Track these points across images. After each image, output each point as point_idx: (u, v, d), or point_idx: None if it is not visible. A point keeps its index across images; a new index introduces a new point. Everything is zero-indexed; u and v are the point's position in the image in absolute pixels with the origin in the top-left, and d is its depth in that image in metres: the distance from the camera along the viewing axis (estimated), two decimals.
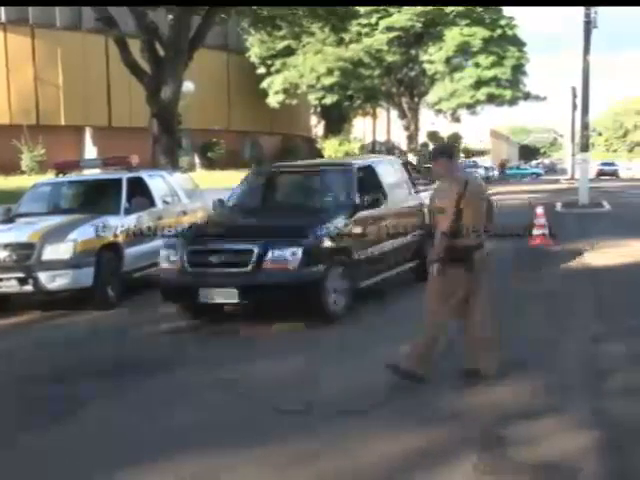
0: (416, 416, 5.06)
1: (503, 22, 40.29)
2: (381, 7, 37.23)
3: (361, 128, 57.11)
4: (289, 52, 39.98)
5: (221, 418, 5.19)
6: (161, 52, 16.68)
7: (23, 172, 26.60)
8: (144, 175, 11.33)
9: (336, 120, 49.12)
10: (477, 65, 40.61)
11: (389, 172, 10.02)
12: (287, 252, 7.64)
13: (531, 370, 5.99)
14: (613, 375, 5.81)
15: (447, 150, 6.02)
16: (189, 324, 8.26)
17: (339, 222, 8.29)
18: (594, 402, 5.19)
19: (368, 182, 9.27)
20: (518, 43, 42.07)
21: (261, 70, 41.12)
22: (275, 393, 5.64)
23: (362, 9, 33.98)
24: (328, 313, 7.88)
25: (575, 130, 48.25)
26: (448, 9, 37.78)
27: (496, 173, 60.91)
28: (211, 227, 9.01)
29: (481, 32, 39.15)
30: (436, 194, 5.91)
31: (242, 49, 40.14)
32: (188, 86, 21.61)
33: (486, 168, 56.51)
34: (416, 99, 44.11)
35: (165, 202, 11.34)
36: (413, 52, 41.12)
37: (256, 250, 7.64)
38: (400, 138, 52.51)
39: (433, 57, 40.32)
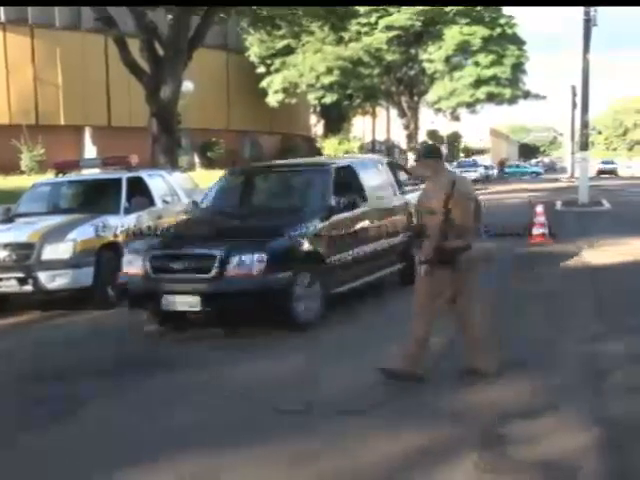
0: (416, 415, 5.06)
1: (503, 21, 40.29)
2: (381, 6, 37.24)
3: (361, 127, 57.11)
4: (288, 51, 39.97)
5: (221, 418, 5.19)
6: (160, 52, 16.67)
7: (23, 172, 26.61)
8: (144, 175, 11.33)
9: (336, 119, 49.13)
10: (477, 64, 40.60)
11: (371, 172, 9.67)
12: (251, 257, 7.29)
13: (531, 369, 5.99)
14: (612, 374, 5.81)
15: (434, 151, 5.98)
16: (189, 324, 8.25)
17: (311, 225, 7.97)
18: (594, 401, 5.19)
19: (347, 183, 8.99)
20: (518, 42, 42.08)
21: (260, 69, 41.13)
22: (275, 393, 5.63)
23: (362, 8, 33.97)
24: (297, 321, 7.55)
25: (575, 129, 48.26)
26: (448, 8, 37.77)
27: (495, 172, 60.97)
28: (178, 230, 8.63)
29: (481, 31, 39.14)
30: (424, 195, 5.89)
31: (241, 48, 40.14)
32: (187, 86, 21.60)
33: (486, 167, 56.57)
34: (416, 98, 44.12)
35: (165, 202, 11.33)
36: (413, 51, 41.12)
37: (219, 255, 7.32)
38: (400, 137, 52.54)
39: (433, 56, 40.31)
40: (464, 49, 40.32)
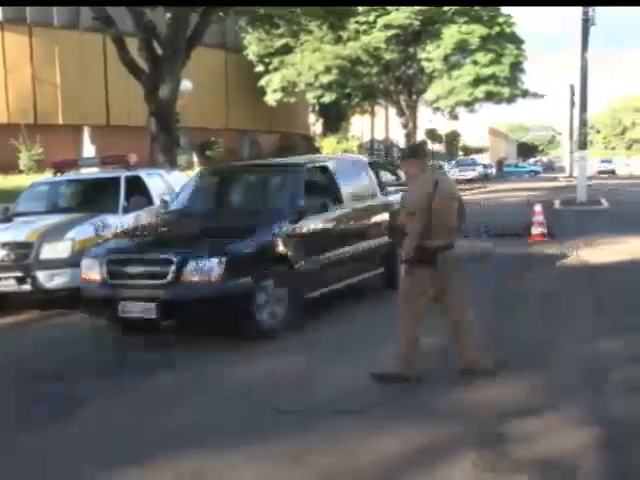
0: (415, 415, 5.06)
1: (501, 20, 40.28)
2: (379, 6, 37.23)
3: (359, 126, 57.11)
4: (287, 50, 39.95)
5: (221, 418, 5.19)
6: (159, 51, 16.67)
7: (21, 171, 26.59)
8: (142, 174, 11.33)
9: (334, 118, 49.12)
10: (475, 63, 40.59)
11: (349, 173, 9.32)
12: (208, 262, 6.91)
13: (529, 368, 6.00)
14: (611, 373, 5.82)
15: (418, 150, 6.02)
16: None
17: (278, 228, 7.62)
18: (593, 400, 5.20)
19: (321, 184, 8.75)
20: (516, 41, 42.07)
21: (259, 68, 41.11)
22: (274, 393, 5.64)
23: (360, 7, 33.96)
24: (260, 329, 7.21)
25: (573, 128, 48.26)
26: (446, 7, 37.78)
27: (494, 171, 61.03)
28: (139, 233, 8.19)
29: (479, 30, 39.13)
30: (407, 194, 5.89)
31: (240, 47, 40.10)
32: (186, 85, 21.60)
33: (484, 166, 56.62)
34: (414, 97, 44.11)
35: (163, 201, 11.32)
36: (411, 50, 41.11)
37: (175, 260, 6.95)
38: (398, 136, 52.53)
39: (431, 55, 40.31)
40: (462, 48, 40.31)
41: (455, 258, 5.85)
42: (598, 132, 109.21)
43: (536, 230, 14.51)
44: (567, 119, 57.11)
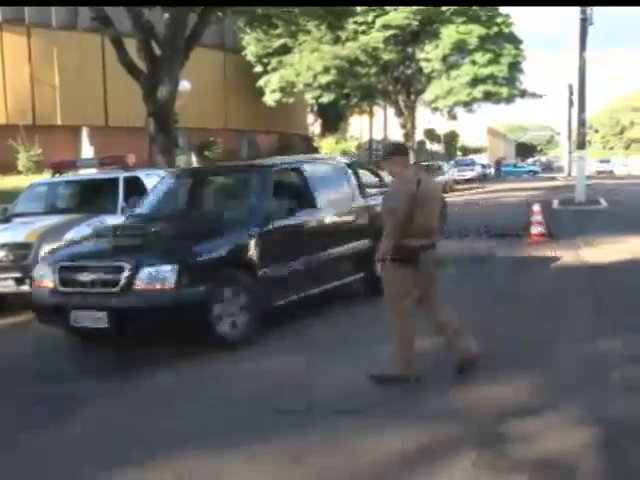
0: (415, 415, 5.07)
1: (499, 20, 40.30)
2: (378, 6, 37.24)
3: (358, 126, 57.16)
4: (285, 50, 39.96)
5: (221, 418, 5.19)
6: (157, 51, 16.66)
7: (20, 172, 26.57)
8: (141, 174, 11.32)
9: (333, 118, 49.14)
10: (473, 63, 40.62)
11: (325, 174, 8.99)
12: (161, 269, 6.58)
13: (529, 368, 6.00)
14: (611, 373, 5.82)
15: (399, 149, 5.97)
16: None
17: (239, 233, 7.34)
18: (593, 400, 5.20)
19: (292, 186, 8.46)
20: (514, 41, 42.10)
21: (258, 69, 41.11)
22: (274, 393, 5.64)
23: (358, 7, 33.97)
24: (219, 338, 6.89)
25: (572, 127, 48.29)
26: (444, 7, 37.80)
27: (492, 171, 61.07)
28: (94, 238, 7.79)
29: (477, 30, 39.15)
30: (388, 194, 5.87)
31: (238, 48, 40.11)
32: (185, 85, 21.59)
33: (483, 166, 56.64)
34: (413, 97, 44.13)
35: None
36: (410, 50, 41.12)
37: (127, 267, 6.64)
38: (397, 136, 52.54)
39: (430, 55, 40.32)
40: (461, 48, 40.32)
41: (438, 259, 5.85)
42: (596, 132, 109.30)
43: (535, 230, 14.52)
44: (566, 119, 57.16)
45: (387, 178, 9.52)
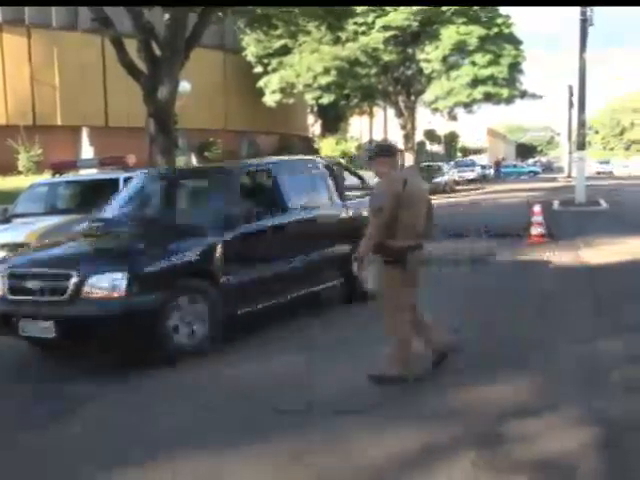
0: (414, 415, 5.07)
1: (499, 20, 40.28)
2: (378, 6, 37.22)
3: (358, 127, 57.16)
4: (285, 51, 39.92)
5: (221, 418, 5.20)
6: (158, 52, 16.66)
7: (20, 172, 26.57)
8: None
9: (333, 119, 49.12)
10: (473, 64, 40.57)
11: (299, 177, 8.63)
12: (110, 276, 6.32)
13: (529, 368, 6.00)
14: (611, 373, 5.82)
15: (387, 149, 5.98)
16: None
17: (199, 239, 7.07)
18: (592, 400, 5.20)
19: (260, 189, 8.22)
20: (514, 41, 42.06)
21: (258, 69, 41.10)
22: (274, 393, 5.64)
23: (358, 8, 33.96)
24: (176, 348, 6.60)
25: (572, 128, 48.29)
26: (444, 7, 37.77)
27: (492, 171, 61.11)
28: (46, 245, 7.63)
29: (477, 30, 39.12)
30: (374, 193, 5.89)
31: (238, 48, 40.10)
32: (185, 86, 21.58)
33: (483, 166, 56.67)
34: (413, 98, 44.08)
35: None
36: (410, 51, 41.07)
37: (75, 274, 6.37)
38: (397, 137, 52.56)
39: (430, 56, 40.28)
40: (461, 49, 40.28)
41: (424, 260, 5.88)
42: (597, 133, 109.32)
43: (535, 230, 14.53)
44: (566, 120, 57.15)
45: (374, 180, 9.40)
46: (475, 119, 57.70)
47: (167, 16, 16.51)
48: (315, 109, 48.84)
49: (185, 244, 6.99)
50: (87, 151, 31.04)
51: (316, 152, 41.93)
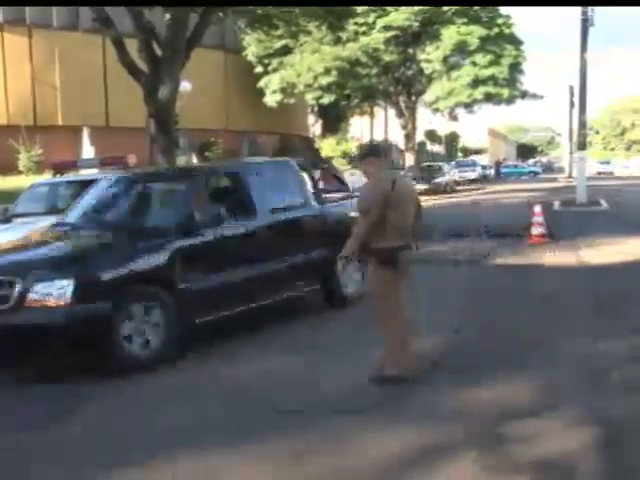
0: (415, 415, 5.07)
1: (500, 21, 40.28)
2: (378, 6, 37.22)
3: (358, 127, 57.15)
4: (286, 51, 39.93)
5: (221, 418, 5.20)
6: (158, 52, 16.66)
7: (20, 172, 26.58)
8: None
9: (333, 119, 49.14)
10: (474, 64, 40.57)
11: (269, 179, 8.24)
12: (56, 284, 6.04)
13: (529, 368, 6.00)
14: (612, 374, 5.82)
15: (375, 150, 6.05)
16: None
17: (156, 244, 6.75)
18: (593, 401, 5.20)
19: (226, 192, 7.93)
20: (515, 41, 42.06)
21: (258, 69, 41.10)
22: (274, 393, 5.64)
23: (359, 8, 33.96)
24: (128, 358, 6.33)
25: (573, 128, 48.28)
26: (445, 7, 37.77)
27: (492, 172, 61.11)
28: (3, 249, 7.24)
29: (478, 31, 39.12)
30: (362, 194, 5.91)
31: (239, 48, 40.11)
32: (185, 86, 21.57)
33: (483, 167, 56.63)
34: (413, 98, 44.08)
35: None
36: (410, 51, 41.08)
37: (19, 282, 6.08)
38: (398, 137, 52.55)
39: (430, 56, 40.28)
40: (462, 49, 40.29)
41: (411, 260, 5.89)
42: (597, 133, 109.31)
43: (536, 231, 14.52)
44: (566, 120, 57.10)
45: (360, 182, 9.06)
46: (476, 119, 57.72)
47: (168, 16, 16.51)
48: (316, 109, 48.85)
49: (139, 249, 6.71)
50: (88, 151, 31.04)
51: (317, 152, 41.97)
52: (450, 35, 39.06)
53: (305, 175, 8.99)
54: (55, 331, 6.09)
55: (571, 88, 47.46)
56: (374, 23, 38.43)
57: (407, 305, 5.93)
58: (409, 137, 43.07)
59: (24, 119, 28.86)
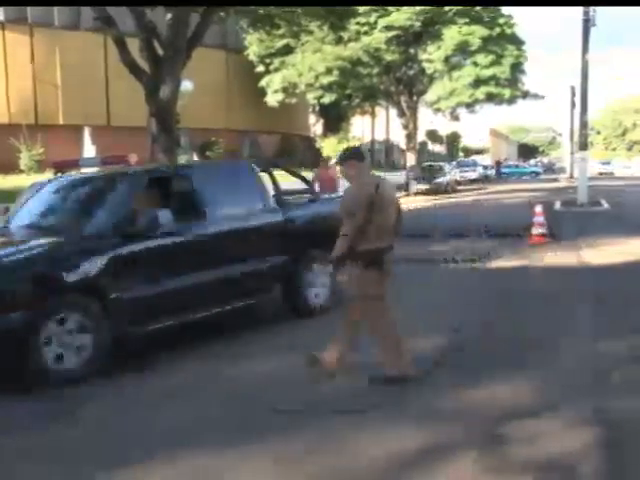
0: (415, 415, 5.07)
1: (502, 21, 40.27)
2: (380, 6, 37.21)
3: (360, 127, 57.17)
4: (288, 51, 39.94)
5: (221, 418, 5.19)
6: (160, 51, 16.67)
7: (22, 171, 26.62)
8: None
9: (335, 119, 49.16)
10: (476, 64, 40.57)
11: (219, 182, 7.79)
12: None
13: (529, 368, 6.00)
14: (612, 374, 5.82)
15: (356, 153, 6.04)
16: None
17: (82, 251, 6.34)
18: (593, 400, 5.20)
19: (172, 196, 7.47)
20: (517, 42, 42.05)
21: (260, 69, 41.12)
22: (274, 393, 5.64)
23: (361, 8, 33.95)
24: (46, 374, 5.95)
25: (574, 129, 48.25)
26: (447, 7, 37.76)
27: (494, 172, 61.13)
28: None
29: (480, 31, 39.12)
30: (346, 197, 5.92)
31: (241, 48, 40.13)
32: (187, 85, 21.58)
33: (484, 167, 56.64)
34: (415, 98, 44.08)
35: None
36: (412, 51, 41.07)
37: None
38: (399, 137, 52.56)
39: (432, 56, 40.28)
40: (463, 49, 40.28)
41: (392, 260, 5.93)
42: (598, 133, 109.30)
43: (537, 231, 14.51)
44: (567, 120, 57.09)
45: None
46: (477, 119, 57.79)
47: (169, 15, 16.52)
48: (317, 109, 48.89)
49: (65, 256, 6.29)
50: (89, 150, 31.04)
51: (318, 152, 41.99)
52: (452, 35, 39.05)
53: (270, 177, 8.59)
54: None
55: (572, 88, 47.49)
56: (376, 23, 38.42)
57: (392, 305, 5.96)
58: (410, 137, 43.06)
59: (25, 118, 28.90)
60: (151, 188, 7.39)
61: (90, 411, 5.52)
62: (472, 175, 49.09)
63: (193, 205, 7.37)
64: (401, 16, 37.72)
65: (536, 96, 45.81)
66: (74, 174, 8.71)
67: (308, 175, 12.53)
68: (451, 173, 40.12)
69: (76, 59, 30.94)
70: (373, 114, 55.57)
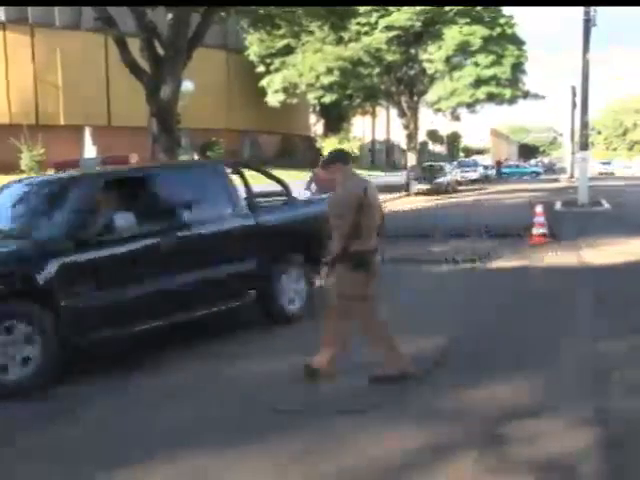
0: (416, 415, 5.07)
1: (502, 21, 40.26)
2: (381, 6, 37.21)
3: (360, 127, 57.19)
4: (288, 51, 39.93)
5: (221, 418, 5.19)
6: (160, 51, 16.68)
7: (22, 171, 26.60)
8: None
9: (335, 119, 49.17)
10: (476, 64, 40.55)
11: (185, 184, 7.55)
12: None
13: (529, 368, 6.00)
14: (613, 374, 5.81)
15: (341, 156, 6.03)
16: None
17: (32, 256, 6.10)
18: (593, 400, 5.20)
19: (135, 198, 7.06)
20: (517, 42, 42.04)
21: (260, 69, 41.12)
22: (274, 393, 5.64)
23: (361, 8, 33.95)
24: None
25: (575, 129, 48.23)
26: (447, 7, 37.76)
27: (494, 172, 61.15)
28: None
29: (480, 31, 39.10)
30: (334, 200, 5.93)
31: (241, 48, 40.14)
32: (188, 85, 21.59)
33: (485, 167, 56.64)
34: (415, 98, 44.07)
35: None
36: (413, 51, 41.06)
37: None
38: (400, 137, 52.56)
39: (433, 56, 40.27)
40: (464, 49, 40.27)
41: (378, 262, 5.97)
42: (599, 133, 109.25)
43: (537, 231, 14.51)
44: (568, 120, 57.07)
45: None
46: (478, 119, 57.75)
47: (170, 16, 16.53)
48: (317, 109, 48.89)
49: (15, 261, 6.07)
50: (90, 150, 31.02)
51: (318, 152, 41.99)
52: (452, 35, 39.05)
53: (242, 178, 8.35)
54: None
55: (573, 88, 47.47)
56: (376, 23, 38.42)
57: (381, 305, 6.01)
58: (411, 137, 43.05)
59: (26, 118, 28.91)
60: (110, 191, 6.97)
61: (90, 411, 5.52)
62: (473, 175, 49.08)
63: (157, 208, 7.09)
64: (402, 16, 37.71)
65: (537, 96, 45.80)
66: (33, 177, 8.48)
67: (308, 175, 12.49)
68: (452, 173, 40.12)
69: (77, 59, 30.96)
70: (374, 114, 55.58)
